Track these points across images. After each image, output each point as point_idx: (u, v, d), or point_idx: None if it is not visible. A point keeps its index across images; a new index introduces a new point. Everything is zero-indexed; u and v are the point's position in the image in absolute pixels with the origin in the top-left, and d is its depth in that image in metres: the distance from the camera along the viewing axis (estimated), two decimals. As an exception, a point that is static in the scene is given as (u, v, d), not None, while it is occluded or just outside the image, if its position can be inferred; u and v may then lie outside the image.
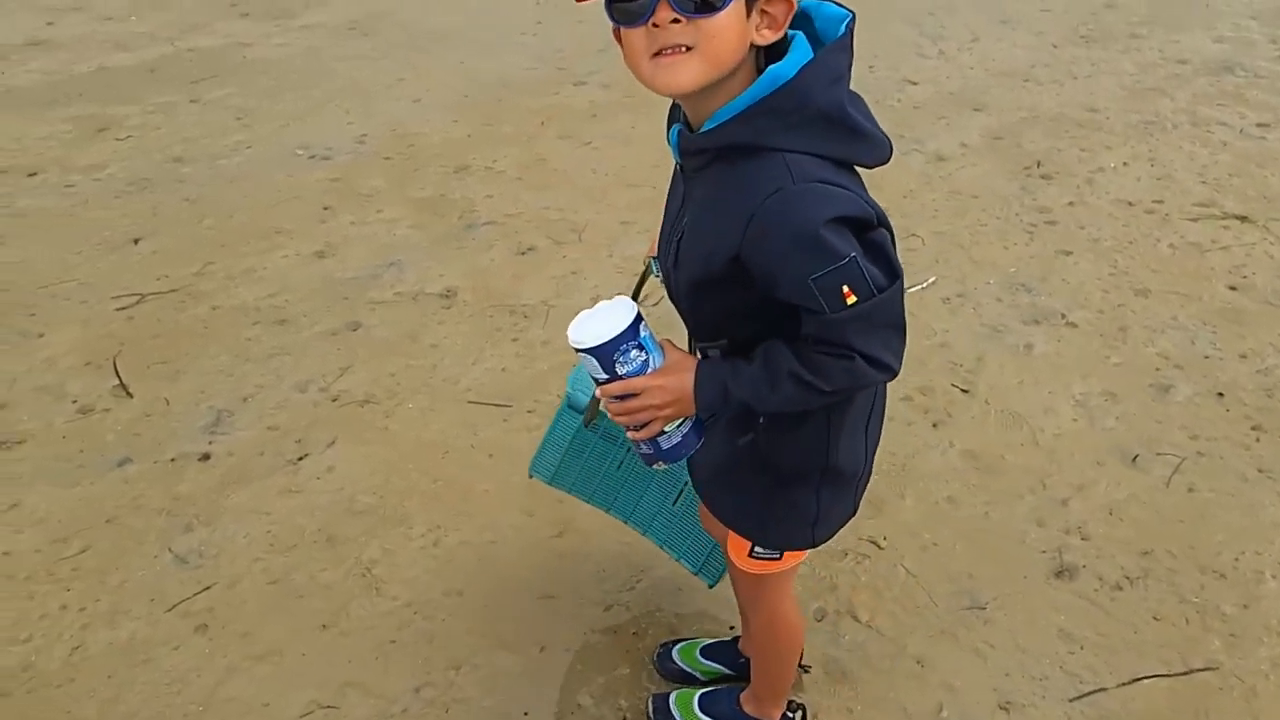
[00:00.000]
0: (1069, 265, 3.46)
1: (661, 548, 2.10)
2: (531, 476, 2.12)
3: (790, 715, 1.94)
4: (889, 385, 1.48)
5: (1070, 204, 3.85)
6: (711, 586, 2.11)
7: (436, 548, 2.44)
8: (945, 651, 2.13)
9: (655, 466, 1.53)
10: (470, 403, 2.93)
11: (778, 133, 1.20)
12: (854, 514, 1.58)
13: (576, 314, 1.41)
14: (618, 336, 1.36)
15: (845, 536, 2.39)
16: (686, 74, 1.18)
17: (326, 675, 2.13)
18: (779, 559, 1.58)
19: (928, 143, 4.32)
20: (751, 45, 1.22)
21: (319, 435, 2.82)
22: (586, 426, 1.97)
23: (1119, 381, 2.90)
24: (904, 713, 2.00)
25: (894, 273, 1.23)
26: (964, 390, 2.88)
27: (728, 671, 2.06)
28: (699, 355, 1.45)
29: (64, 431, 2.87)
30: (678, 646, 2.10)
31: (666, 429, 1.44)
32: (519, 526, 2.48)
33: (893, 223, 1.29)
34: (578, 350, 1.39)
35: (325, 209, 4.05)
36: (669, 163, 1.41)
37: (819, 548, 1.58)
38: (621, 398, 1.38)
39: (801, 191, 1.17)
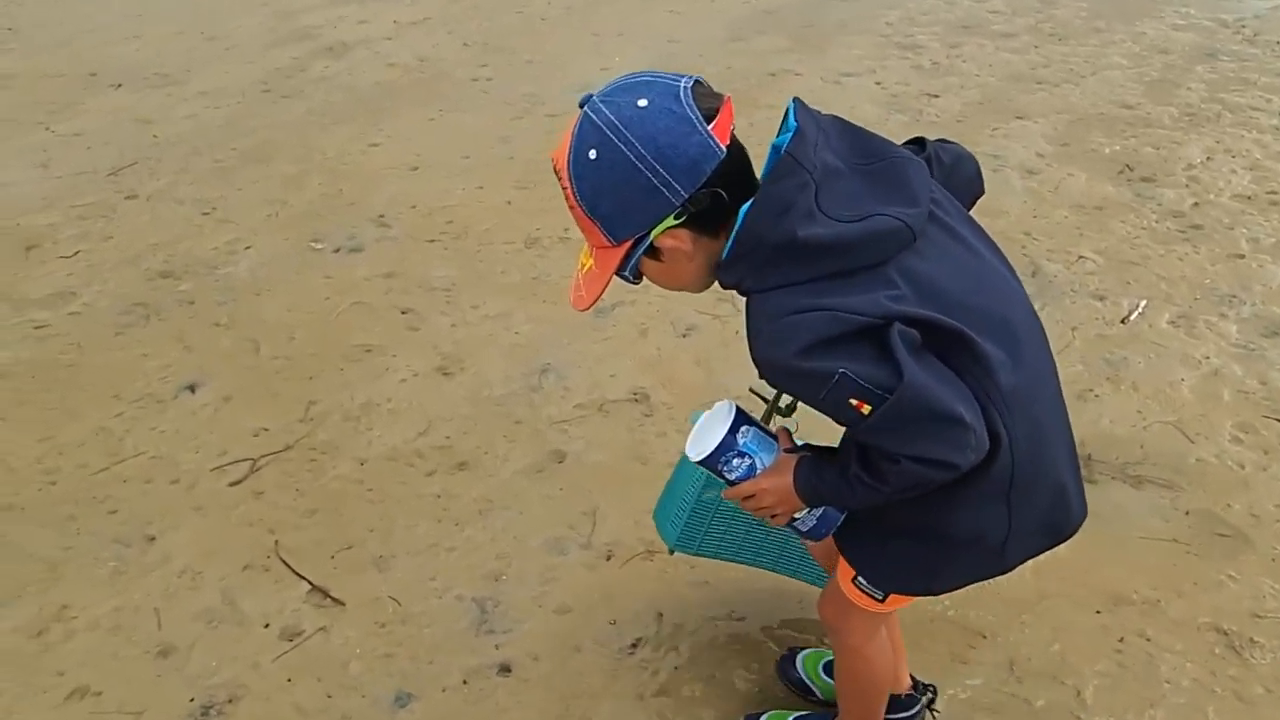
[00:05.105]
0: (1253, 270, 3.40)
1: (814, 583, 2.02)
2: (664, 539, 1.96)
3: (918, 694, 1.90)
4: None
5: (1195, 204, 3.81)
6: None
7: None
8: None
9: (805, 544, 1.72)
10: (778, 530, 2.43)
11: (748, 277, 1.28)
12: (1003, 573, 1.49)
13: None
14: (714, 451, 1.45)
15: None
16: (682, 292, 1.43)
17: None
18: (882, 601, 1.55)
19: (1006, 157, 4.17)
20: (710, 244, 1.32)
21: (630, 606, 2.25)
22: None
23: None
24: None
25: (899, 374, 1.18)
26: (1283, 422, 2.71)
27: None
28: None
29: (286, 673, 2.13)
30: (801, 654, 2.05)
31: (798, 515, 1.48)
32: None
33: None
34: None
35: (404, 313, 3.35)
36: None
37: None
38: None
39: (772, 333, 1.24)
